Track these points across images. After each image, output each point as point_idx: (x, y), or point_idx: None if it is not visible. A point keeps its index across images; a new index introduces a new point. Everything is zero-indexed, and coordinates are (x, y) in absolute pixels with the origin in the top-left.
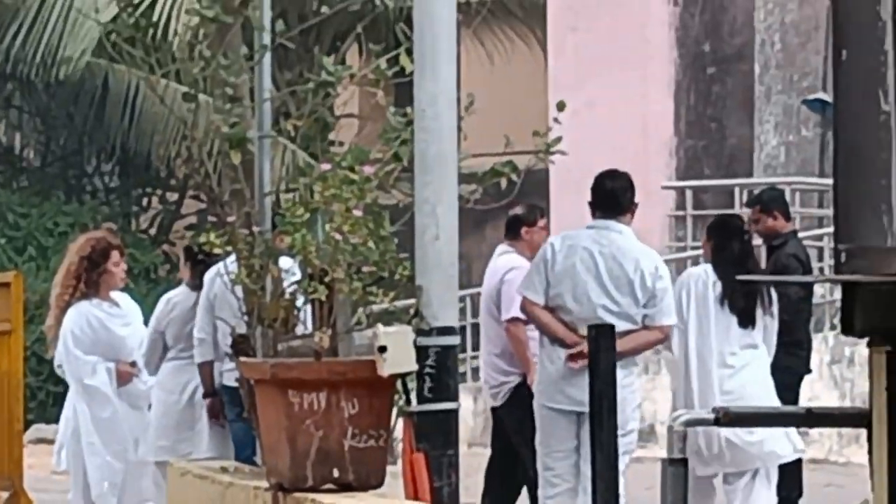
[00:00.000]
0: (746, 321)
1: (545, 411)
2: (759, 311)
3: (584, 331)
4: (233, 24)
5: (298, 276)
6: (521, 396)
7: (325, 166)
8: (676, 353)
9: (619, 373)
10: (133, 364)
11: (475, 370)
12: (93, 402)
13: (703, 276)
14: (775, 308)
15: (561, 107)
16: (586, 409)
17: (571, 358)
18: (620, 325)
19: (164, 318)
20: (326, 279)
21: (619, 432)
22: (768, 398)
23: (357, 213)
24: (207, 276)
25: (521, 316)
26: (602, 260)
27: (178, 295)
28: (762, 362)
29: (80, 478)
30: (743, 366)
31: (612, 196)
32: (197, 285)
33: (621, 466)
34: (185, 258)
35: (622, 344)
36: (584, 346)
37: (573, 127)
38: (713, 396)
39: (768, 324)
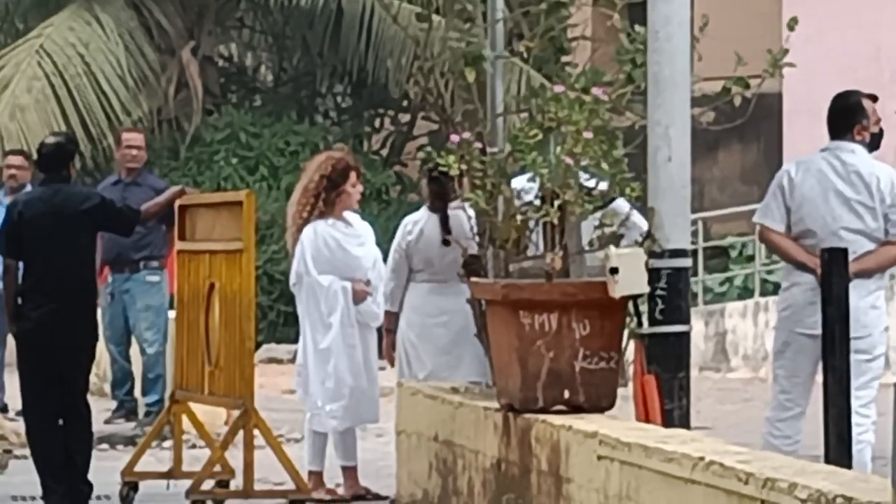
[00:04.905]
0: None
1: (792, 336)
2: None
3: None
4: None
5: (531, 197)
6: None
7: (558, 88)
8: None
9: (871, 296)
10: (368, 283)
11: (706, 292)
12: (315, 329)
13: None
14: None
15: (792, 24)
16: None
17: None
18: (864, 245)
19: (405, 242)
20: (557, 201)
21: (867, 357)
22: None
23: (587, 134)
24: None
25: None
26: (839, 180)
27: (420, 217)
28: None
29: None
30: None
31: (834, 117)
32: (437, 207)
33: (872, 392)
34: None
35: (864, 263)
36: None
37: (806, 53)
38: None
39: None
